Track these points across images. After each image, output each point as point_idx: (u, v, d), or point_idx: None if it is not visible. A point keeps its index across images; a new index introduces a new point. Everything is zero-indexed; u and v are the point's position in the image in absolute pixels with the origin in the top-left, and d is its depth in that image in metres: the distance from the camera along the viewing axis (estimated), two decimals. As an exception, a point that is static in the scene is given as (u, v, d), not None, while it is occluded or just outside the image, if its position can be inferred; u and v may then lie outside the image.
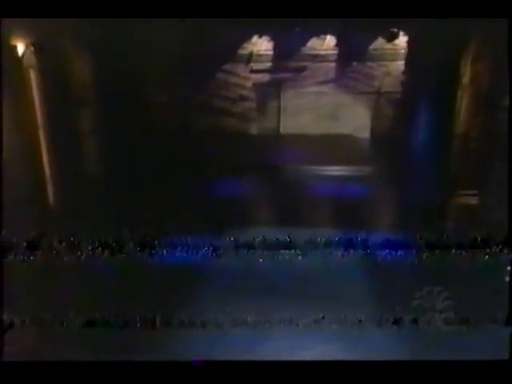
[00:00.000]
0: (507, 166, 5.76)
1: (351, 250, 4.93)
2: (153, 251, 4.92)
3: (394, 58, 9.14)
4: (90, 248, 4.73)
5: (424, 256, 4.80)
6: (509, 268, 4.84)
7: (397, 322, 4.64)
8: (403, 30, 8.78)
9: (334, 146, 9.23)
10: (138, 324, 4.67)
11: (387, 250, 4.97)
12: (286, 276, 5.45)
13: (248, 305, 4.91)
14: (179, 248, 5.02)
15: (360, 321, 4.76)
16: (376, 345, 4.50)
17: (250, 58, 9.20)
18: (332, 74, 9.36)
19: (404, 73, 9.19)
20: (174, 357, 4.17)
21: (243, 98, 9.44)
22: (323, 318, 4.73)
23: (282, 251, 4.83)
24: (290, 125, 9.41)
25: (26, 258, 4.64)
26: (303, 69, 9.27)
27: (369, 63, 9.22)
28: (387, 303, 5.05)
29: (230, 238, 4.96)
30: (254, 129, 9.56)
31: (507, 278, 4.64)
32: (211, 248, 4.94)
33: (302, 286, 5.57)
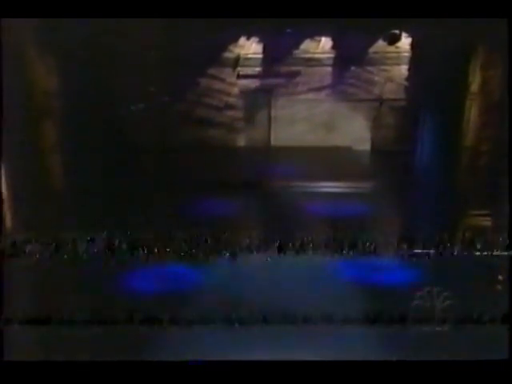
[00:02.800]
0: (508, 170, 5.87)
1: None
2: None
3: (396, 62, 8.89)
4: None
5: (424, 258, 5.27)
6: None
7: (396, 321, 4.70)
8: (406, 32, 8.54)
9: (330, 160, 8.91)
10: (138, 324, 4.84)
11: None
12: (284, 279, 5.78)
13: (245, 307, 5.11)
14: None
15: (359, 321, 4.84)
16: (376, 345, 4.55)
17: (236, 61, 8.98)
18: (328, 80, 9.15)
19: (407, 79, 8.94)
20: (173, 357, 4.28)
21: (229, 107, 9.22)
22: (322, 318, 4.84)
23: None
24: (281, 136, 9.16)
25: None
26: (296, 74, 9.05)
27: (369, 68, 9.03)
28: (387, 303, 5.16)
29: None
30: (241, 141, 9.32)
31: (507, 278, 4.90)
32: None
33: (299, 288, 5.73)
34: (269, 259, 6.03)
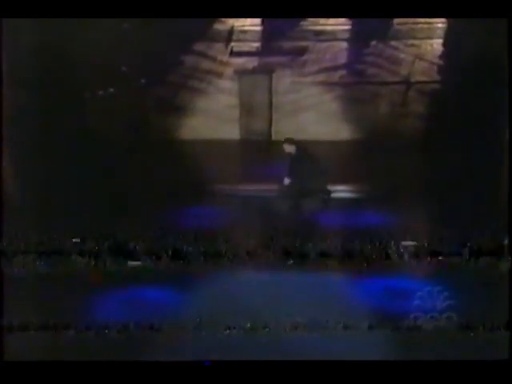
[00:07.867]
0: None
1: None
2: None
3: (427, 35, 8.54)
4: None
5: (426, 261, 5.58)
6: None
7: (396, 322, 4.94)
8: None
9: (343, 157, 8.21)
10: (139, 325, 4.95)
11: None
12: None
13: (248, 310, 5.07)
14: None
15: (359, 322, 4.95)
16: (376, 345, 4.73)
17: (230, 35, 8.73)
18: (342, 58, 8.91)
19: (441, 56, 8.56)
20: (173, 357, 4.47)
21: (221, 91, 8.89)
22: (325, 320, 4.89)
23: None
24: (284, 128, 8.72)
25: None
26: (303, 51, 8.81)
27: (393, 42, 8.67)
28: (387, 303, 5.31)
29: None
30: (235, 133, 9.01)
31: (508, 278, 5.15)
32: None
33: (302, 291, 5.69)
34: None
